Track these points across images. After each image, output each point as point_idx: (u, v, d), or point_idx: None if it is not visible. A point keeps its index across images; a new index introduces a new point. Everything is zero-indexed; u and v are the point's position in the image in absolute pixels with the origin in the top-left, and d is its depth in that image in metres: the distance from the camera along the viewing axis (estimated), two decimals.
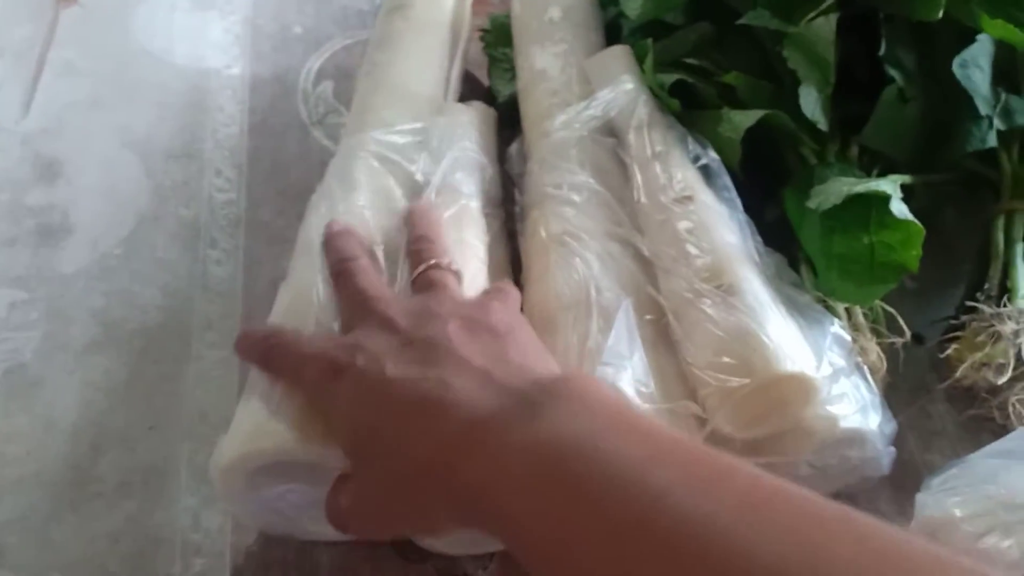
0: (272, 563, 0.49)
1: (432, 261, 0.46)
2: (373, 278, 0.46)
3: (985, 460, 0.42)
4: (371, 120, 0.60)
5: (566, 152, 0.58)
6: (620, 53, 0.63)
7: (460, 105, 0.64)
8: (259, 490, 0.46)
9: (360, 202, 0.54)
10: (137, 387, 0.56)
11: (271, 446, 0.43)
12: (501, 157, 0.64)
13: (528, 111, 0.64)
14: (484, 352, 0.39)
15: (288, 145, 0.69)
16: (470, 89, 0.70)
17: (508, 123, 0.68)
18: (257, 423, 0.44)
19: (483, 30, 0.73)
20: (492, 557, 0.49)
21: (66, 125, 0.71)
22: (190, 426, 0.55)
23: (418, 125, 0.59)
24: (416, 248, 0.48)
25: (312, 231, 0.52)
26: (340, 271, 0.47)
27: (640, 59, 0.61)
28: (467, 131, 0.61)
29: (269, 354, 0.44)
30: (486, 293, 0.47)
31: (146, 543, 0.50)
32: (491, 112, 0.65)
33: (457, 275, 0.47)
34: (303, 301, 0.49)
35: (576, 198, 0.56)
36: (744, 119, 0.56)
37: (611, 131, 0.60)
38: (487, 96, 0.71)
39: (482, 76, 0.72)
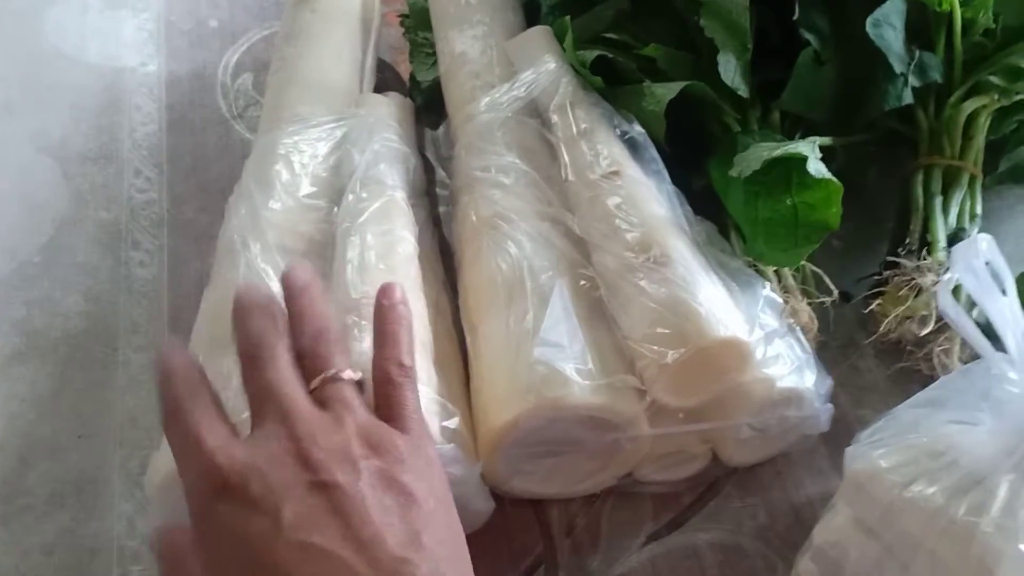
0: None
1: (330, 372, 0.38)
2: (286, 372, 0.37)
3: (909, 411, 0.43)
4: (286, 116, 0.59)
5: (492, 135, 0.58)
6: (541, 33, 0.62)
7: (378, 96, 0.63)
8: None
9: (281, 203, 0.53)
10: (64, 396, 0.55)
11: None
12: (421, 146, 0.64)
13: (452, 95, 0.64)
14: (397, 527, 0.33)
15: (209, 140, 0.68)
16: (384, 79, 0.69)
17: (433, 108, 0.67)
18: None
19: (402, 15, 0.73)
20: None
21: None
22: (121, 432, 0.53)
23: (335, 119, 0.59)
24: (307, 350, 0.38)
25: (234, 233, 0.51)
26: (250, 356, 0.38)
27: (560, 38, 0.61)
28: (387, 122, 0.60)
29: (169, 414, 0.36)
30: (403, 423, 0.38)
31: (82, 553, 0.49)
32: (408, 103, 0.65)
33: (359, 386, 0.39)
34: (227, 308, 0.47)
35: (505, 180, 0.56)
36: (666, 92, 0.57)
37: (535, 111, 0.60)
38: (402, 85, 0.70)
39: (402, 61, 0.72)
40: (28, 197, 0.65)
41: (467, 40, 0.64)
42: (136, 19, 0.77)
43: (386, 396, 0.38)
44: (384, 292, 0.41)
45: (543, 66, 0.60)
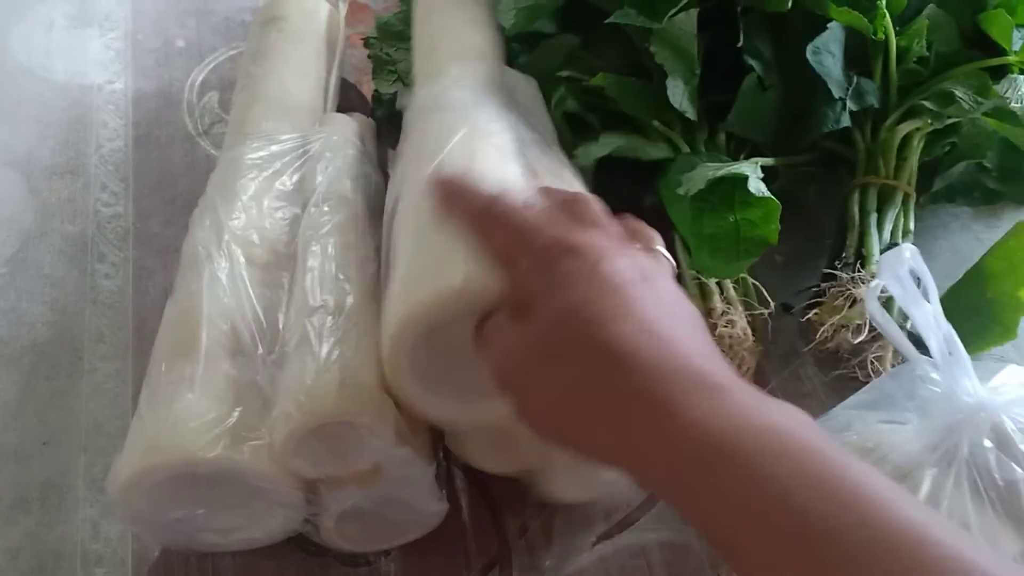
0: (174, 566, 0.49)
1: (572, 195, 0.43)
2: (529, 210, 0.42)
3: (844, 411, 0.45)
4: (251, 132, 0.60)
5: None
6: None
7: (342, 116, 0.64)
8: (160, 507, 0.46)
9: (244, 216, 0.54)
10: (29, 404, 0.56)
11: (167, 460, 0.43)
12: (383, 164, 0.66)
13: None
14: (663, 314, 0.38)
15: (175, 156, 0.70)
16: (348, 98, 0.71)
17: (395, 122, 0.69)
18: (152, 438, 0.44)
19: (366, 38, 0.75)
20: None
21: None
22: (86, 439, 0.54)
23: (299, 136, 0.60)
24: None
25: (198, 244, 0.52)
26: (488, 222, 0.42)
27: (547, 96, 0.63)
28: (350, 140, 0.62)
29: (488, 220, 0.41)
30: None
31: (46, 556, 0.50)
32: (371, 123, 0.66)
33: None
34: (191, 316, 0.49)
35: None
36: (597, 150, 0.60)
37: None
38: (365, 104, 0.72)
39: (365, 82, 0.74)
40: None
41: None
42: (103, 37, 0.79)
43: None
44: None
45: None
